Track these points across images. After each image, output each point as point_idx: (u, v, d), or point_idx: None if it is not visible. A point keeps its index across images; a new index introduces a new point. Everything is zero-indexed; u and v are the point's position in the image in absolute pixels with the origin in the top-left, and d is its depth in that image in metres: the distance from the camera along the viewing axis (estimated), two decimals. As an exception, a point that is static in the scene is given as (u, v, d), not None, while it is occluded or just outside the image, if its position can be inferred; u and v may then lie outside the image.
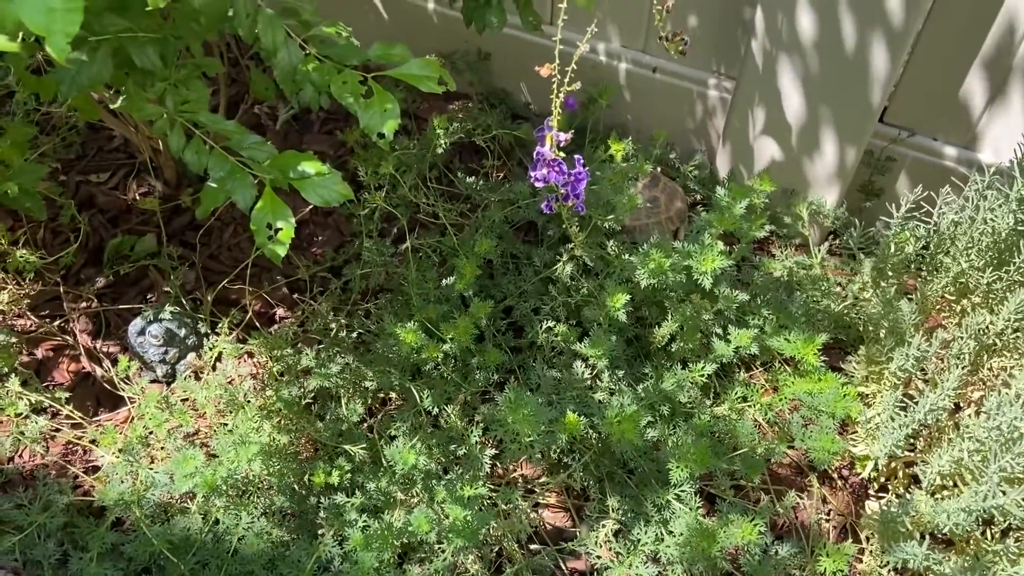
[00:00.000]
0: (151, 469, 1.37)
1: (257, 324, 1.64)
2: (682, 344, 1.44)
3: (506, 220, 1.67)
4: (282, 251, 1.14)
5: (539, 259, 1.61)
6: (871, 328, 1.42)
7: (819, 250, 1.58)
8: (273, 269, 1.76)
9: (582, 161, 0.99)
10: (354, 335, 1.59)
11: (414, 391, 1.41)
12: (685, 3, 1.64)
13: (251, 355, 1.62)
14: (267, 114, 2.06)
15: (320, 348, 1.53)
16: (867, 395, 1.41)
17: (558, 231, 1.60)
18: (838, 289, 1.55)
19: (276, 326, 1.67)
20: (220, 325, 1.59)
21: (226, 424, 1.44)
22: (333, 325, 1.57)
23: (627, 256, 1.40)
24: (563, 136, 0.93)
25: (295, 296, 1.71)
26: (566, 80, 0.98)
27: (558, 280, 1.56)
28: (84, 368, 1.63)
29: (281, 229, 1.14)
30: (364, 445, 1.36)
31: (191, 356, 1.61)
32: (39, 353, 1.65)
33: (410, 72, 1.21)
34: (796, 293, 1.51)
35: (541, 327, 1.49)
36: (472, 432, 1.38)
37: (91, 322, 1.69)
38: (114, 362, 1.63)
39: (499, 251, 1.66)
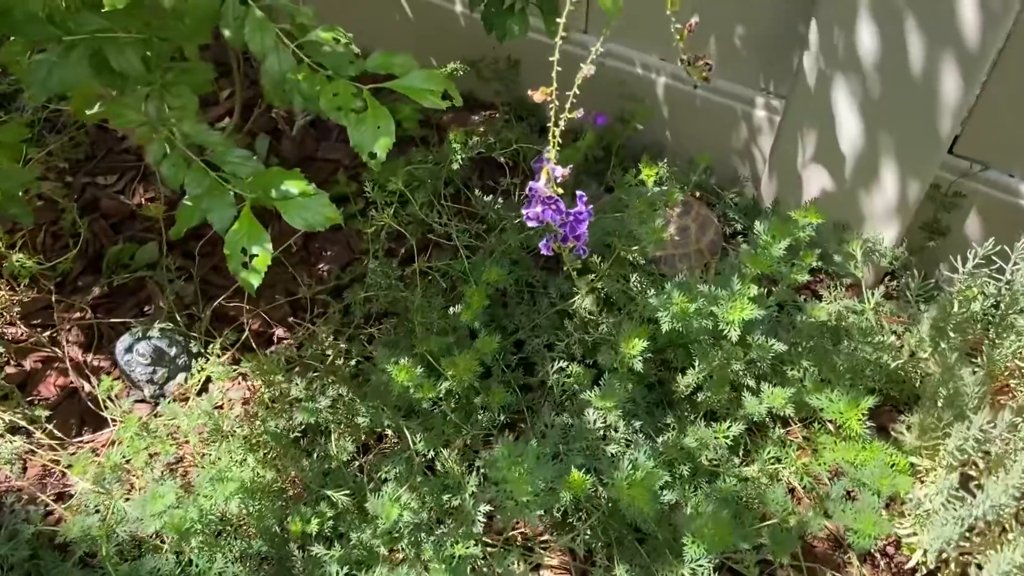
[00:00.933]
0: (125, 500, 1.28)
1: (253, 345, 1.55)
2: (709, 395, 1.30)
3: (523, 245, 1.55)
4: (256, 280, 1.04)
5: (556, 289, 1.49)
6: (927, 392, 1.26)
7: (872, 294, 1.42)
8: (276, 285, 1.67)
9: (584, 198, 0.87)
10: (352, 363, 1.49)
11: (407, 432, 1.30)
12: (732, 14, 1.50)
13: (245, 377, 1.53)
14: (284, 118, 1.98)
15: (314, 376, 1.44)
16: (919, 467, 1.25)
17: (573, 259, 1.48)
18: (893, 339, 1.39)
19: (273, 348, 1.58)
20: (212, 345, 1.50)
21: (209, 455, 1.35)
22: (330, 352, 1.47)
23: (650, 292, 1.27)
24: (560, 171, 0.81)
25: (293, 317, 1.62)
26: (573, 90, 0.86)
27: (575, 314, 1.43)
28: (71, 383, 1.57)
29: (257, 256, 1.05)
30: (348, 491, 1.25)
31: (181, 377, 1.53)
32: (27, 364, 1.59)
33: (412, 84, 1.10)
34: (844, 342, 1.36)
35: (552, 367, 1.37)
36: (469, 482, 1.26)
37: (83, 334, 1.63)
38: (104, 378, 1.56)
39: (513, 278, 1.54)
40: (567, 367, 1.35)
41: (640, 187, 1.39)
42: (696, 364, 1.28)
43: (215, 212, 1.07)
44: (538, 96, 0.81)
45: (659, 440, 1.32)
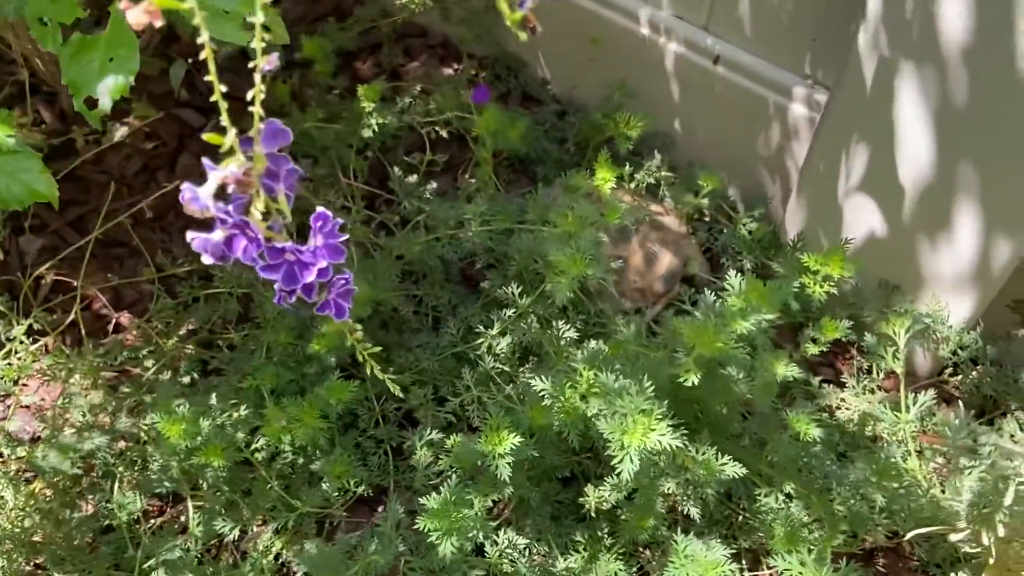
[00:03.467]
0: None
1: (83, 331, 1.24)
2: (632, 516, 0.91)
3: (451, 243, 1.16)
4: None
5: (458, 323, 1.11)
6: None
7: (917, 397, 0.98)
8: (139, 257, 1.35)
9: (328, 224, 0.49)
10: (186, 379, 1.15)
11: (190, 503, 0.95)
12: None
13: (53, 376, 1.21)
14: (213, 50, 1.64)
15: (126, 393, 1.11)
16: None
17: (498, 279, 1.10)
18: (930, 473, 0.96)
19: (106, 340, 1.26)
20: (16, 329, 1.19)
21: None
22: (151, 362, 1.13)
23: (567, 352, 0.89)
24: (228, 173, 0.44)
25: (132, 305, 1.29)
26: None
27: (478, 362, 1.06)
28: None
29: None
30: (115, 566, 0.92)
31: (-21, 363, 1.23)
32: None
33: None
34: (857, 464, 0.94)
35: (423, 436, 1.00)
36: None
37: None
38: None
39: (418, 295, 1.17)
40: (448, 439, 0.98)
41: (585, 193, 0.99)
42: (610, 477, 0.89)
43: None
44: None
45: (559, 567, 0.95)
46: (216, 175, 0.46)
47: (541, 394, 0.79)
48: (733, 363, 0.83)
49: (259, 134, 0.46)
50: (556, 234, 0.92)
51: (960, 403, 1.15)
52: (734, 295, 0.82)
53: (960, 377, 1.14)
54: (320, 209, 0.49)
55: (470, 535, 0.84)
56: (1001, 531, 0.66)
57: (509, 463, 0.82)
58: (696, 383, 0.82)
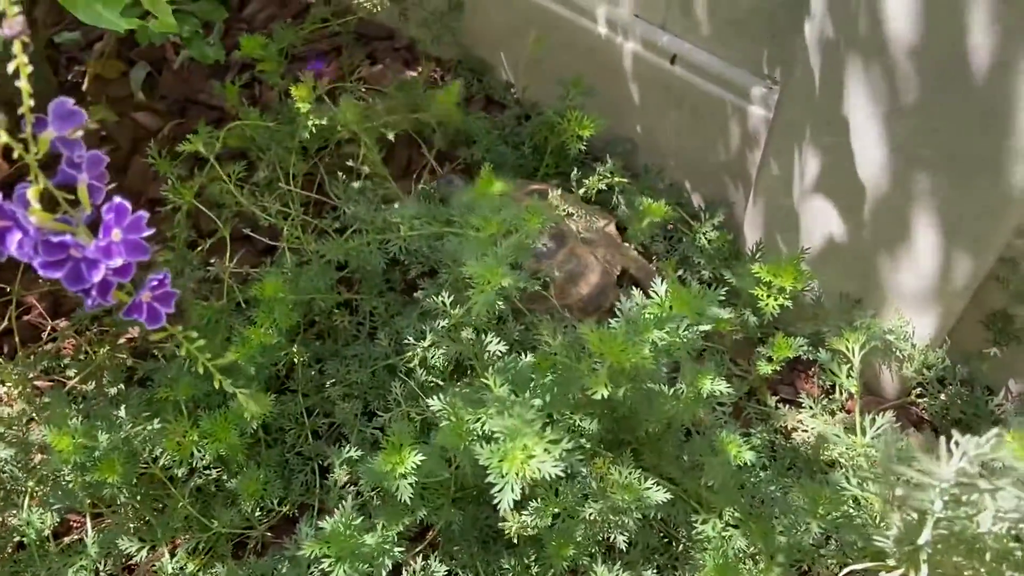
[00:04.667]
0: None
1: (17, 339, 1.21)
2: (553, 545, 0.85)
3: (384, 252, 1.11)
4: None
5: (389, 333, 1.07)
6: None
7: (874, 420, 0.92)
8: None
9: (128, 218, 0.45)
10: (113, 390, 1.12)
11: (88, 524, 0.92)
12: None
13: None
14: (173, 46, 1.62)
15: (39, 404, 1.07)
16: None
17: (433, 288, 1.05)
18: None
19: (42, 347, 1.23)
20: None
21: None
22: (72, 371, 1.10)
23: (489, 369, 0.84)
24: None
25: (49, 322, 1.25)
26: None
27: (410, 375, 1.01)
28: None
29: None
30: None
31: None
32: None
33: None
34: (796, 490, 0.88)
35: (341, 454, 0.96)
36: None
37: None
38: None
39: (355, 302, 1.14)
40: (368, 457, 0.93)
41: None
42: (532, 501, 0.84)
43: None
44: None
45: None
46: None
47: (439, 414, 0.75)
48: (649, 377, 0.78)
49: (30, 112, 0.42)
50: (480, 240, 0.88)
51: (930, 428, 1.09)
52: (652, 303, 0.77)
53: (927, 399, 1.07)
54: (118, 200, 0.45)
55: (374, 561, 0.79)
56: (925, 571, 0.60)
57: (412, 484, 0.77)
58: (621, 399, 0.77)
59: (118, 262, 0.45)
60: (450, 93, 1.12)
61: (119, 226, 0.46)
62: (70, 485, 0.90)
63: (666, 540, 0.96)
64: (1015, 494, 0.56)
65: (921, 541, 0.57)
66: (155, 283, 0.48)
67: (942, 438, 0.53)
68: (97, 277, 0.45)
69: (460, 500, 0.96)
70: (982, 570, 0.66)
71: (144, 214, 0.46)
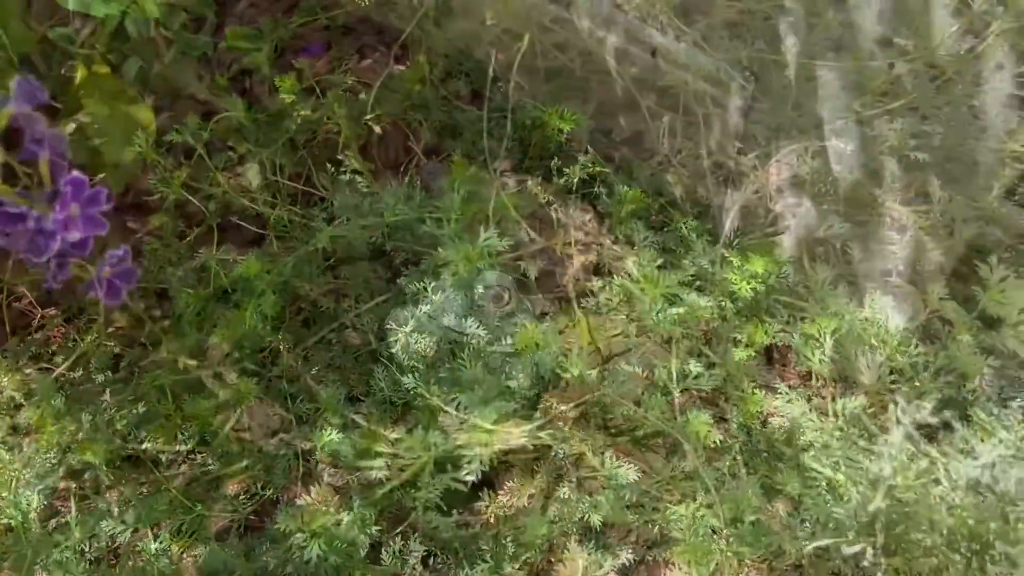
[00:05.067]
0: None
1: (8, 327, 1.23)
2: (527, 525, 0.87)
3: (370, 240, 1.13)
4: None
5: (376, 318, 1.09)
6: None
7: (847, 403, 0.94)
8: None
9: (86, 192, 0.47)
10: (100, 378, 1.14)
11: (72, 505, 0.94)
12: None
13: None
14: (166, 40, 1.64)
15: (28, 391, 1.09)
16: None
17: (415, 274, 1.07)
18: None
19: (30, 336, 1.25)
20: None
21: None
22: (60, 358, 1.12)
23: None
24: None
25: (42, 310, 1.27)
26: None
27: (392, 362, 1.03)
28: None
29: None
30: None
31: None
32: None
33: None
34: (762, 471, 0.91)
35: (324, 438, 0.98)
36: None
37: None
38: None
39: (339, 289, 1.16)
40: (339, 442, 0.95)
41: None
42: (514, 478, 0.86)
43: None
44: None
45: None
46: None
47: (413, 392, 0.77)
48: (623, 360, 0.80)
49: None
50: (455, 226, 0.90)
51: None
52: (624, 286, 0.79)
53: (902, 385, 1.09)
54: (75, 174, 0.47)
55: (348, 540, 0.81)
56: (880, 540, 0.62)
57: (387, 464, 0.79)
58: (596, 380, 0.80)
59: (75, 236, 0.47)
60: (415, 70, 1.14)
61: (76, 200, 0.47)
62: (54, 467, 0.92)
63: (645, 521, 0.98)
64: (967, 464, 0.58)
65: (872, 508, 0.59)
66: (115, 259, 0.50)
67: (891, 405, 0.55)
68: (54, 248, 0.47)
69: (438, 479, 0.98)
70: (942, 545, 0.68)
71: (103, 189, 0.48)
